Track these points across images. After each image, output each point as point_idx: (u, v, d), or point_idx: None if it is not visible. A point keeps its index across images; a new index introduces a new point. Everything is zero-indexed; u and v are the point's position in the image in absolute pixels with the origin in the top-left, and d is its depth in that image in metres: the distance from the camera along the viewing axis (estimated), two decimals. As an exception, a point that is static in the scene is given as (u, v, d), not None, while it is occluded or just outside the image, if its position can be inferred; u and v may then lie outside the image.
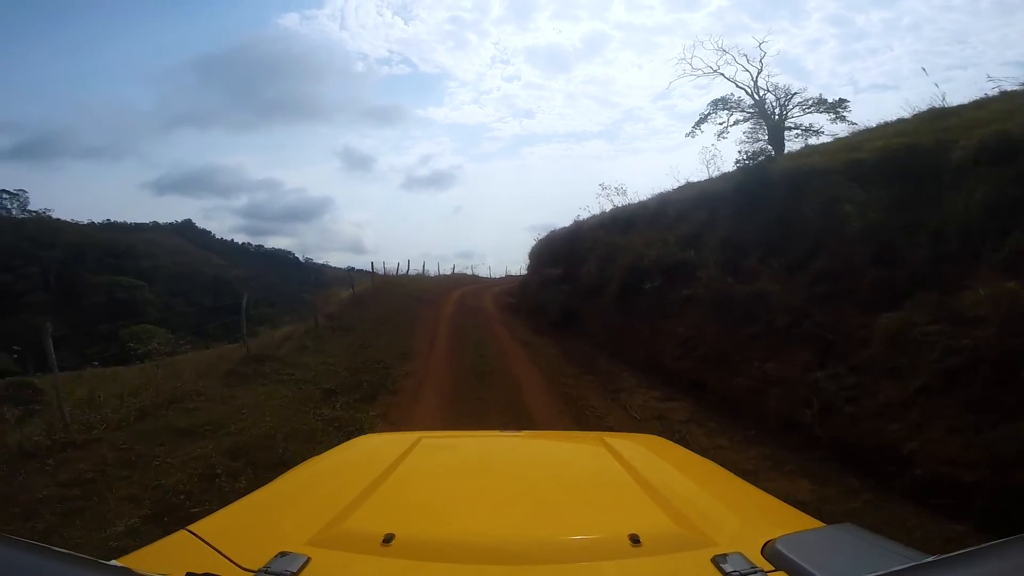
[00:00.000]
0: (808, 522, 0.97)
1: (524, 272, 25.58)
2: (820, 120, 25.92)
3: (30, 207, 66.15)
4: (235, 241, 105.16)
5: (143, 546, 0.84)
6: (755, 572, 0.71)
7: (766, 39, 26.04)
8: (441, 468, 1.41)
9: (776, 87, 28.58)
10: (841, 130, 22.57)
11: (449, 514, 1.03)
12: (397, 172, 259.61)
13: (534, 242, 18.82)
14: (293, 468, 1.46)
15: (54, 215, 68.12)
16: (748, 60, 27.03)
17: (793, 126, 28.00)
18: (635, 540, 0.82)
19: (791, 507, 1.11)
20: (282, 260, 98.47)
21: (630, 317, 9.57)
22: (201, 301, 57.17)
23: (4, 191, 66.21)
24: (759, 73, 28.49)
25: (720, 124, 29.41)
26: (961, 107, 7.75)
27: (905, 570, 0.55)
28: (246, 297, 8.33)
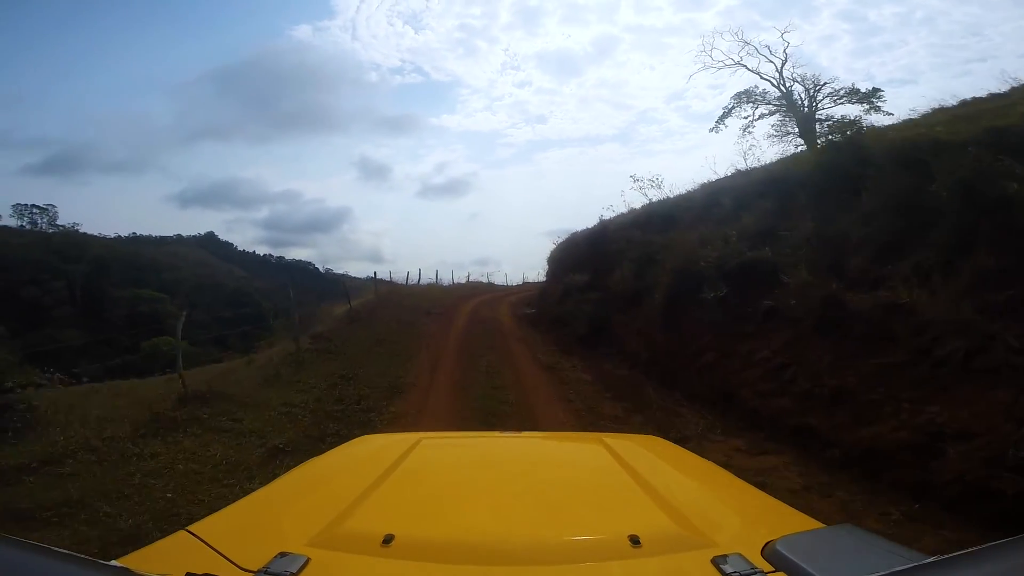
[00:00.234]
0: (808, 523, 0.95)
1: (543, 279, 23.67)
2: (852, 111, 23.44)
3: (59, 221, 66.87)
4: (256, 253, 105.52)
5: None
6: (755, 573, 0.69)
7: (787, 29, 23.93)
8: (441, 469, 1.39)
9: (804, 77, 26.42)
10: (876, 121, 20.64)
11: (449, 515, 1.00)
12: (413, 180, 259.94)
13: (553, 246, 16.78)
14: (293, 468, 1.45)
15: (82, 229, 68.75)
16: (770, 51, 25.06)
17: (824, 118, 25.88)
18: (635, 541, 0.80)
19: (791, 508, 1.07)
20: (302, 271, 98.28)
21: (683, 334, 7.41)
22: (221, 313, 56.65)
23: (34, 206, 66.99)
24: (784, 64, 26.46)
25: (745, 118, 27.38)
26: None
27: (905, 570, 0.54)
28: (183, 317, 6.37)
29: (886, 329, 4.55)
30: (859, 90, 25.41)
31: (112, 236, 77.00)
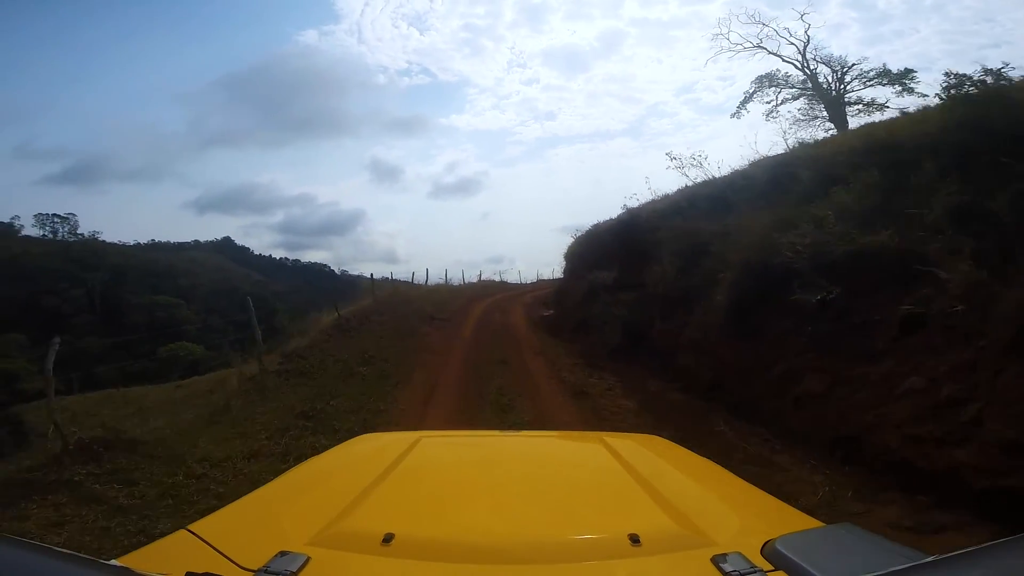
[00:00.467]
0: (808, 522, 0.93)
1: (558, 276, 21.78)
2: (883, 94, 21.09)
3: (80, 230, 66.97)
4: (272, 256, 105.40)
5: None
6: (754, 572, 0.68)
7: (807, 11, 21.98)
8: (441, 468, 1.36)
9: (831, 58, 24.33)
10: (910, 103, 18.50)
11: (449, 514, 0.99)
12: (424, 181, 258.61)
13: (572, 240, 14.78)
14: (293, 468, 1.42)
15: (102, 237, 68.85)
16: (790, 33, 22.86)
17: (855, 100, 23.79)
18: (635, 540, 0.79)
19: (791, 507, 1.05)
20: (318, 273, 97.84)
21: (764, 348, 5.40)
22: (237, 317, 55.89)
23: (55, 215, 67.28)
24: (806, 46, 24.47)
25: (768, 103, 25.50)
26: None
27: (905, 570, 0.53)
28: (55, 345, 4.47)
29: None
30: (891, 71, 23.25)
31: (131, 244, 77.24)
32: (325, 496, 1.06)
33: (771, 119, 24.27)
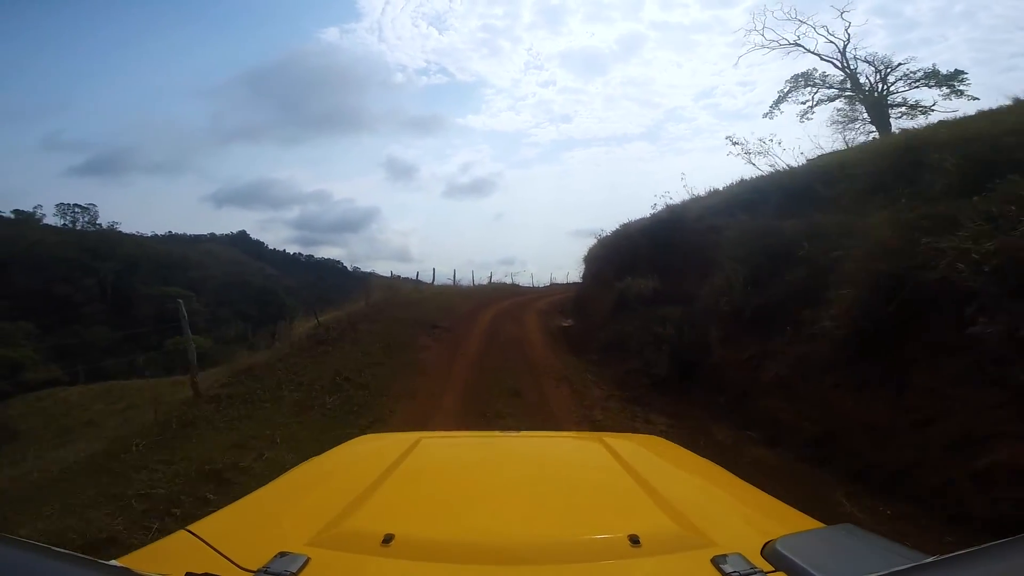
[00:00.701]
0: (808, 523, 0.91)
1: (574, 280, 19.92)
2: (929, 96, 19.42)
3: (100, 221, 66.74)
4: (286, 251, 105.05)
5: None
6: (754, 572, 0.67)
7: (847, 7, 20.30)
8: (441, 468, 1.33)
9: (875, 57, 22.45)
10: (962, 106, 16.38)
11: (449, 514, 0.97)
12: (439, 181, 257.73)
13: (594, 241, 12.92)
14: (293, 468, 1.36)
15: (122, 228, 68.56)
16: (828, 31, 20.85)
17: (900, 102, 21.94)
18: (635, 540, 0.78)
19: (791, 508, 1.02)
20: (331, 269, 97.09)
21: (915, 399, 3.51)
22: (247, 311, 55.16)
23: (76, 205, 67.13)
24: (846, 44, 22.70)
25: (803, 103, 23.76)
26: None
27: (905, 570, 0.52)
28: None
29: None
30: (939, 71, 21.27)
31: (149, 235, 76.91)
32: (325, 496, 1.04)
33: (806, 120, 22.67)
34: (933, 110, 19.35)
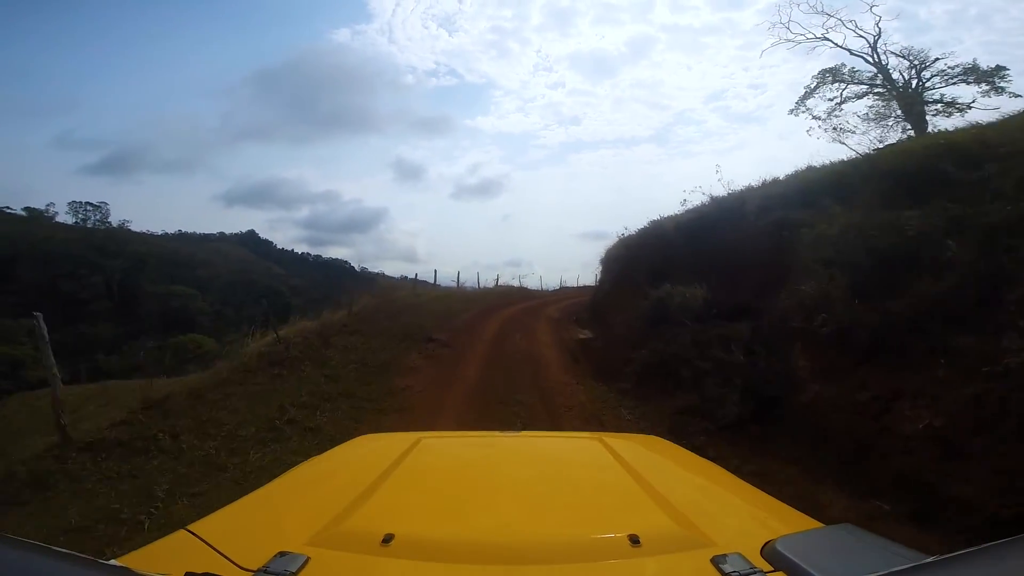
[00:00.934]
0: (808, 523, 0.89)
1: (585, 283, 18.15)
2: (967, 93, 17.22)
3: (111, 219, 66.09)
4: (294, 251, 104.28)
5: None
6: (754, 572, 0.66)
7: (876, 2, 18.50)
8: (441, 468, 1.31)
9: (909, 51, 20.50)
10: (1002, 104, 14.47)
11: (449, 514, 0.95)
12: (447, 182, 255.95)
13: (616, 240, 11.19)
14: (293, 468, 1.33)
15: (132, 226, 67.88)
16: (857, 25, 19.01)
17: (938, 98, 20.01)
18: (635, 540, 0.76)
19: (790, 507, 1.00)
20: (338, 269, 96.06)
21: None
22: (252, 310, 54.10)
23: (88, 203, 66.54)
24: (877, 39, 20.74)
25: (831, 99, 21.79)
26: None
27: (905, 570, 0.51)
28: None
29: None
30: (978, 67, 19.34)
31: (159, 233, 76.21)
32: (325, 496, 1.03)
33: (833, 118, 20.95)
34: (972, 107, 17.77)
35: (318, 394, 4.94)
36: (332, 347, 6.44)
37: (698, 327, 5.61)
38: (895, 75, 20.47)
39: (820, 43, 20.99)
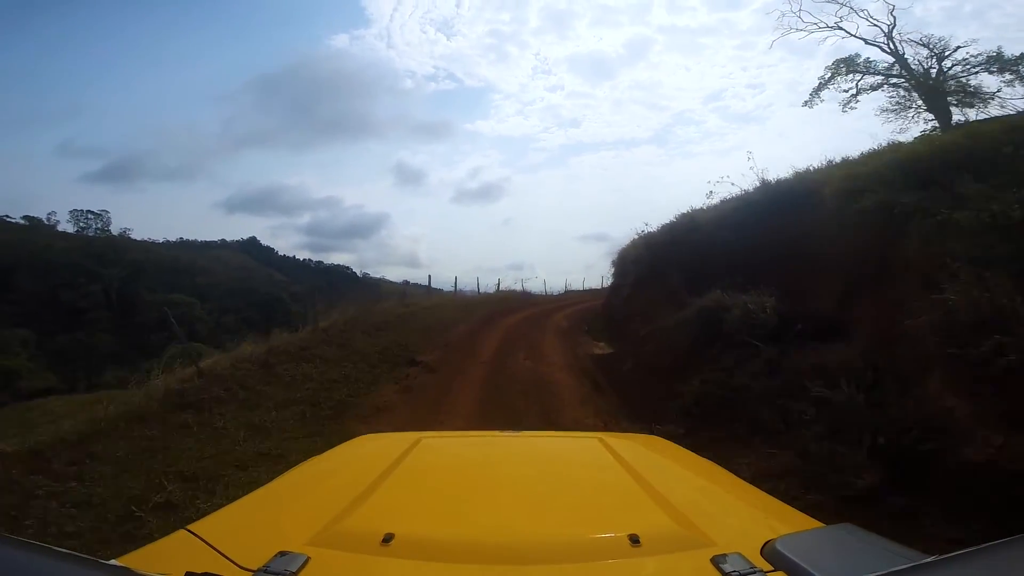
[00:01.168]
0: (808, 522, 0.88)
1: (592, 287, 16.54)
2: (990, 83, 16.35)
3: (111, 227, 64.96)
4: (296, 257, 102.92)
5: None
6: (754, 572, 0.65)
7: None
8: (441, 468, 1.29)
9: (929, 39, 19.24)
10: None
11: (449, 514, 0.94)
12: (447, 186, 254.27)
13: (635, 237, 9.58)
14: (293, 468, 1.31)
15: (133, 234, 66.76)
16: (869, 14, 17.92)
17: (957, 89, 18.73)
18: (635, 540, 0.76)
19: (791, 507, 0.99)
20: (340, 275, 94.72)
21: None
22: (252, 317, 52.73)
23: (89, 211, 65.53)
24: (892, 27, 19.56)
25: (845, 91, 20.56)
26: None
27: (905, 570, 0.51)
28: None
29: None
30: (1003, 55, 17.91)
31: (159, 241, 74.95)
32: (325, 496, 1.02)
33: (848, 109, 19.45)
34: (997, 97, 16.29)
35: (228, 457, 3.29)
36: (275, 379, 4.85)
37: (773, 350, 3.98)
38: (913, 64, 18.98)
39: (832, 32, 19.54)
